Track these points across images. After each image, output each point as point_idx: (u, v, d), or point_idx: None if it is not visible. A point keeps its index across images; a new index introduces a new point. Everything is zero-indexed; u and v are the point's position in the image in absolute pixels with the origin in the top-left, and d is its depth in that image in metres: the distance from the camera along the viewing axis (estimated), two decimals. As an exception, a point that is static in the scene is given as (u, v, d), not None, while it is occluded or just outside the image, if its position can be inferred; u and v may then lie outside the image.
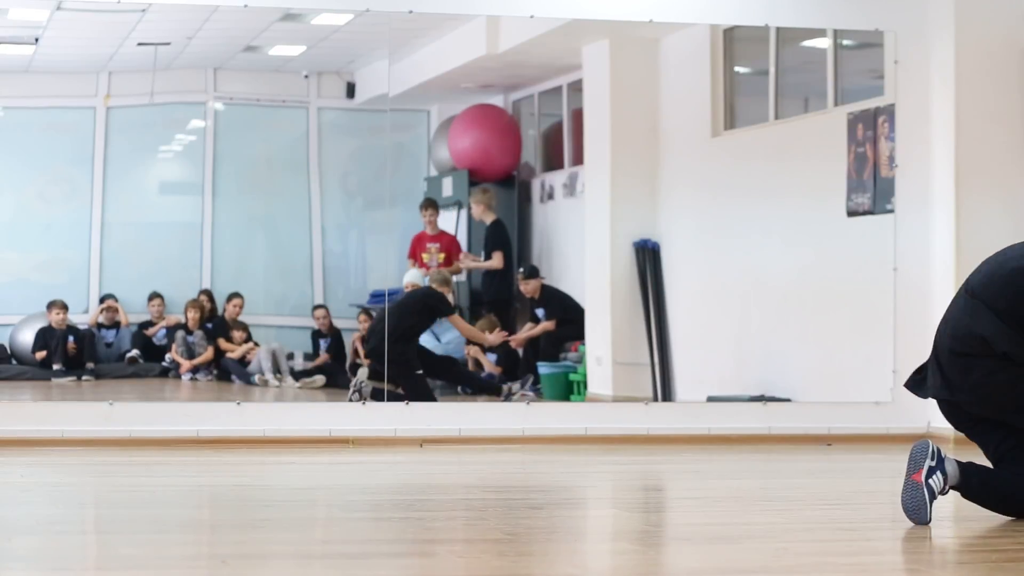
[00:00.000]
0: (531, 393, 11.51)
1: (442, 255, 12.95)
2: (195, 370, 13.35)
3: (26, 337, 13.32)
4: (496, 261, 12.95)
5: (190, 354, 13.40)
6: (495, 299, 13.08)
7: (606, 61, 12.29)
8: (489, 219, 13.09)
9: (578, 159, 13.00)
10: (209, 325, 13.51)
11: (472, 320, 12.96)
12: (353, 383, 10.87)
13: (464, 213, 13.51)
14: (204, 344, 13.40)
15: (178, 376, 13.39)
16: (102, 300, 13.71)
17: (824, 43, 11.16)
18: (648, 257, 12.17)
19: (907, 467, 5.71)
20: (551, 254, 13.42)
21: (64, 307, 13.24)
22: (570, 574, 5.05)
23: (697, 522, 6.37)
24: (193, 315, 13.47)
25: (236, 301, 13.47)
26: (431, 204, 13.15)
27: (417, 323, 11.22)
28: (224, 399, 11.64)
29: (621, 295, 12.17)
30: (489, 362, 12.43)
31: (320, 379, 12.94)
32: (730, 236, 11.72)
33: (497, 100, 13.88)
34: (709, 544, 5.62)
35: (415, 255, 12.99)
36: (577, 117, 12.98)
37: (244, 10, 10.45)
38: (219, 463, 8.86)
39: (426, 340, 12.36)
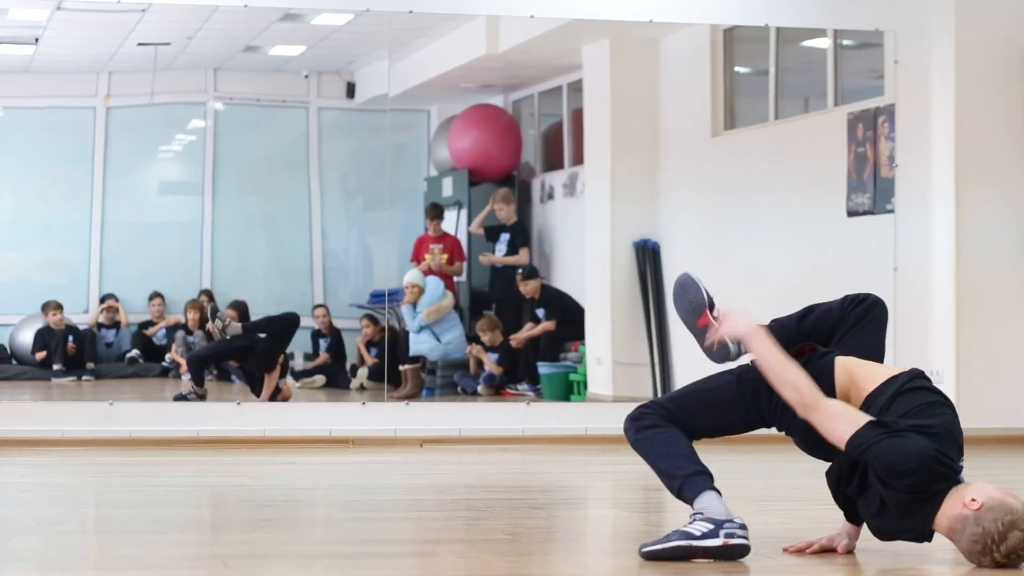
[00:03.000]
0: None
1: (445, 256, 12.96)
2: (195, 370, 13.35)
3: (26, 337, 13.32)
4: (523, 257, 12.99)
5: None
6: (501, 298, 13.09)
7: (606, 61, 12.29)
8: (513, 220, 13.13)
9: (578, 159, 13.00)
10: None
11: (473, 319, 12.98)
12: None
13: (464, 213, 13.51)
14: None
15: (178, 376, 13.38)
16: (102, 300, 13.71)
17: (824, 43, 11.16)
18: (648, 257, 12.17)
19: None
20: (551, 254, 13.42)
21: (59, 307, 13.22)
22: (570, 574, 5.05)
23: (697, 522, 6.35)
24: (193, 315, 13.46)
25: (232, 312, 13.43)
26: (437, 212, 13.16)
27: None
28: (224, 399, 11.64)
29: (621, 295, 12.17)
30: (491, 362, 12.44)
31: (320, 379, 12.94)
32: (730, 236, 11.72)
33: (497, 100, 13.88)
34: (709, 544, 5.60)
35: (418, 257, 12.98)
36: (577, 117, 12.98)
37: (244, 10, 10.46)
38: (219, 463, 8.86)
39: (426, 340, 12.37)
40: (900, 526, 5.01)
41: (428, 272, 12.77)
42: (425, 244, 13.05)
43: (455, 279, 13.10)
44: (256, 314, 13.59)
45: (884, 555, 5.31)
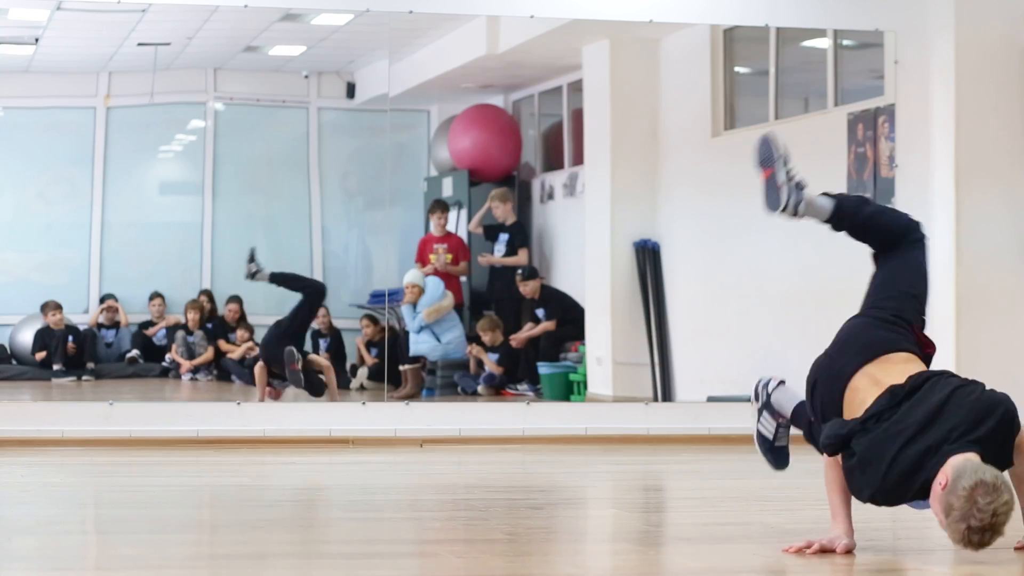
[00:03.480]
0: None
1: (449, 256, 12.94)
2: (195, 370, 13.35)
3: (26, 337, 13.32)
4: (522, 257, 12.98)
5: (190, 354, 13.40)
6: (501, 298, 13.09)
7: (606, 61, 12.29)
8: (511, 219, 13.11)
9: (578, 159, 13.00)
10: (209, 325, 13.51)
11: (473, 319, 12.97)
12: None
13: (464, 213, 13.51)
14: (204, 344, 13.40)
15: (178, 376, 13.39)
16: (102, 300, 13.71)
17: (824, 43, 11.16)
18: (648, 257, 12.17)
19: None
20: (551, 254, 13.42)
21: (58, 307, 13.23)
22: (570, 574, 5.05)
23: (697, 522, 6.37)
24: (193, 315, 13.47)
25: (232, 307, 13.43)
26: (442, 207, 13.13)
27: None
28: (224, 399, 11.64)
29: (621, 295, 12.17)
30: (491, 361, 12.44)
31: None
32: (730, 236, 11.72)
33: (497, 100, 13.88)
34: (709, 544, 5.62)
35: (423, 259, 12.95)
36: (577, 117, 12.98)
37: (244, 10, 10.46)
38: (219, 463, 8.86)
39: (426, 340, 12.37)
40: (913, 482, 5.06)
41: (432, 272, 12.75)
42: (429, 244, 13.03)
43: (461, 279, 13.09)
44: (256, 314, 13.63)
45: (884, 555, 5.31)
